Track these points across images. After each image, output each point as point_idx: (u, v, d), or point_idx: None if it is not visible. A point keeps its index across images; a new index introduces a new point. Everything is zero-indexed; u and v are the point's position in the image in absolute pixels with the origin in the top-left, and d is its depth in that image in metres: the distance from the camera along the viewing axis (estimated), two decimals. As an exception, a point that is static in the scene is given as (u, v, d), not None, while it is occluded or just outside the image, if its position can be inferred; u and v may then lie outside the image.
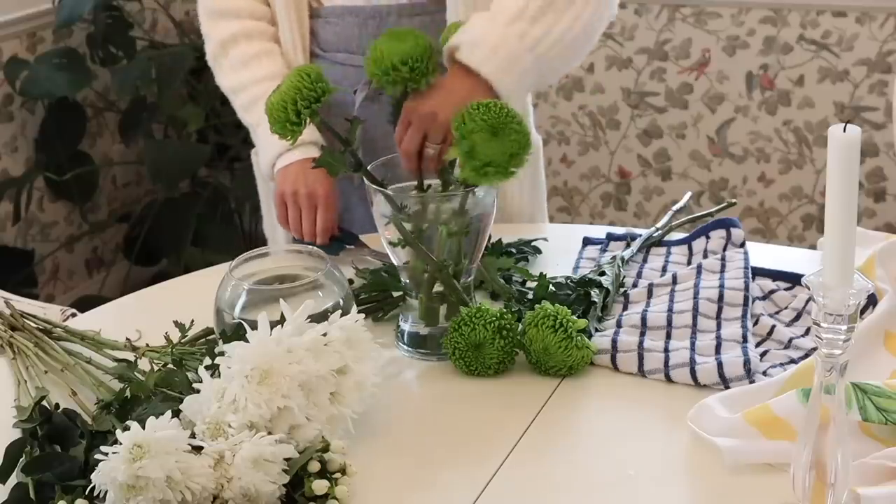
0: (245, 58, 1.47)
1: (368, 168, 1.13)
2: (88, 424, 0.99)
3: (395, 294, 1.25)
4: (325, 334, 0.97)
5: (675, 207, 1.43)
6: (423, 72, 1.14)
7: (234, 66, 1.47)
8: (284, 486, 0.90)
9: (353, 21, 1.46)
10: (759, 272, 1.28)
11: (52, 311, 1.31)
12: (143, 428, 0.85)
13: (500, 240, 1.35)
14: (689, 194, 1.48)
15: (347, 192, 1.51)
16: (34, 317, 1.22)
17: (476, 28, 1.27)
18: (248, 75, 1.46)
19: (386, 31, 1.17)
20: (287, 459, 0.90)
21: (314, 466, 0.91)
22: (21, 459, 0.95)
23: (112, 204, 3.18)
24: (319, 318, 1.00)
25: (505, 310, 1.11)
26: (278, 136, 1.11)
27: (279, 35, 1.49)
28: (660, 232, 1.39)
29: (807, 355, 1.10)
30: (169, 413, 0.88)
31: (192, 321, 1.12)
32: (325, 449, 0.94)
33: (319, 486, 0.90)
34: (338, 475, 0.92)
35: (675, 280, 1.26)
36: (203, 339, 1.14)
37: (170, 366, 1.07)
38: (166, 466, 0.84)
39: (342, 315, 0.99)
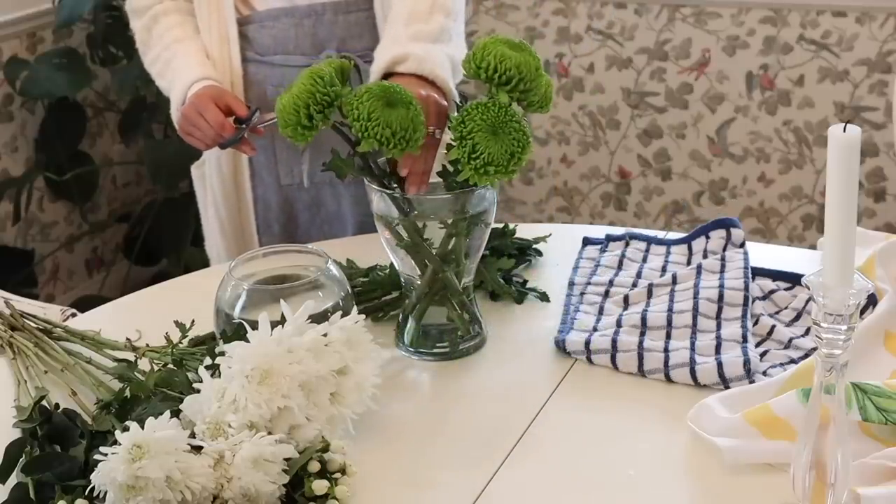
0: (160, 32, 1.53)
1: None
2: (88, 424, 0.99)
3: (395, 294, 1.25)
4: (325, 334, 0.97)
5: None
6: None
7: (153, 43, 1.54)
8: (284, 486, 0.90)
9: (288, 22, 1.50)
10: (759, 272, 1.28)
11: (52, 311, 1.31)
12: (143, 428, 0.85)
13: (506, 224, 1.36)
14: None
15: (335, 195, 1.52)
16: (34, 317, 1.22)
17: (396, 45, 1.34)
18: (160, 46, 1.53)
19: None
20: (287, 459, 0.90)
21: (314, 466, 0.91)
22: (21, 459, 0.95)
23: (112, 204, 3.17)
24: (319, 318, 1.00)
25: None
26: (287, 137, 1.11)
27: (205, 46, 1.52)
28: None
29: (807, 355, 1.10)
30: (168, 413, 0.88)
31: (193, 321, 1.12)
32: (325, 449, 0.94)
33: (319, 486, 0.90)
34: (338, 475, 0.92)
35: (674, 280, 1.26)
36: (204, 344, 1.13)
37: (170, 366, 1.07)
38: (166, 466, 0.84)
39: (342, 315, 0.99)
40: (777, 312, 1.22)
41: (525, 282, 1.31)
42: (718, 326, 1.16)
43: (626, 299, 1.24)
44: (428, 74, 1.29)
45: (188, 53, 1.51)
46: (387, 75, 1.31)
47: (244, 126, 1.41)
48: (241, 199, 1.60)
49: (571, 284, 1.29)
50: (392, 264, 1.21)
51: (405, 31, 1.36)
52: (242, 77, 1.52)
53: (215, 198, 1.61)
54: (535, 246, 1.38)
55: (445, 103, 1.22)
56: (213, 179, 1.60)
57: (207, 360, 0.97)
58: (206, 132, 1.42)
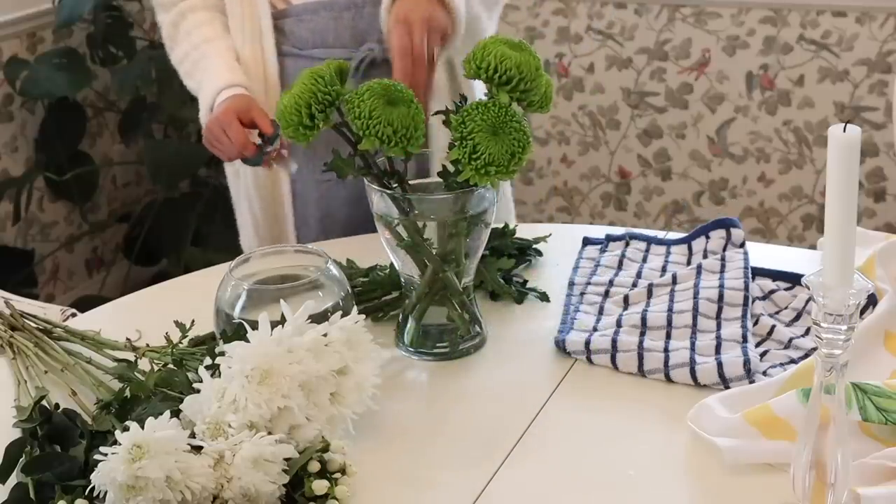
0: (189, 28, 1.53)
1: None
2: (88, 424, 0.99)
3: (395, 294, 1.25)
4: (325, 334, 0.97)
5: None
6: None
7: (180, 39, 1.54)
8: (284, 486, 0.90)
9: (327, 15, 1.49)
10: (759, 272, 1.28)
11: (52, 311, 1.31)
12: (143, 428, 0.85)
13: (506, 224, 1.36)
14: None
15: (333, 194, 1.52)
16: (34, 317, 1.22)
17: None
18: (188, 44, 1.53)
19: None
20: (287, 459, 0.90)
21: (314, 466, 0.91)
22: (21, 459, 0.95)
23: (112, 204, 3.18)
24: (319, 318, 1.00)
25: None
26: (289, 138, 1.11)
27: (235, 44, 1.52)
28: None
29: (807, 355, 1.10)
30: (168, 413, 0.88)
31: (193, 321, 1.12)
32: (325, 449, 0.94)
33: (319, 486, 0.90)
34: (338, 475, 0.92)
35: (674, 280, 1.26)
36: (204, 344, 1.13)
37: (170, 366, 1.07)
38: (166, 466, 0.84)
39: (342, 315, 0.99)
40: (777, 312, 1.22)
41: (525, 282, 1.31)
42: (718, 326, 1.16)
43: (626, 299, 1.24)
44: None
45: (217, 55, 1.50)
46: None
47: (265, 150, 1.41)
48: (277, 194, 1.59)
49: (571, 284, 1.29)
50: (392, 264, 1.21)
51: None
52: (279, 72, 1.51)
53: (248, 192, 1.61)
54: (535, 246, 1.38)
55: (447, 22, 1.25)
56: (248, 174, 1.60)
57: (207, 360, 0.97)
58: (228, 148, 1.43)
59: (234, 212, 1.71)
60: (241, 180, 1.64)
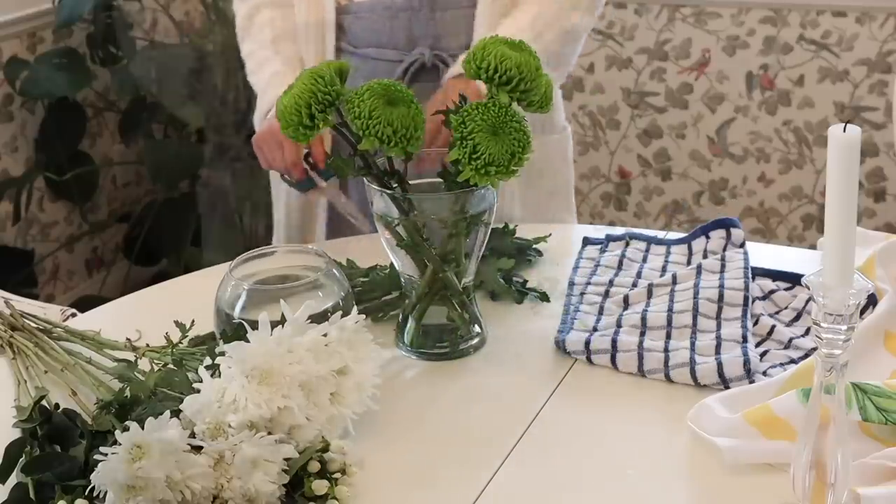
0: (261, 23, 1.55)
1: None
2: (88, 424, 0.99)
3: (395, 294, 1.25)
4: (325, 335, 0.97)
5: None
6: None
7: (253, 33, 1.56)
8: (284, 486, 0.90)
9: (385, 14, 1.50)
10: (759, 272, 1.28)
11: (52, 311, 1.31)
12: (143, 428, 0.85)
13: (506, 224, 1.36)
14: None
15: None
16: (34, 317, 1.22)
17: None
18: (257, 42, 1.55)
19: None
20: (287, 459, 0.90)
21: (314, 466, 0.91)
22: (21, 459, 0.95)
23: (112, 204, 3.18)
24: (319, 318, 1.00)
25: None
26: (290, 139, 1.11)
27: (298, 37, 1.54)
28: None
29: (807, 355, 1.10)
30: (168, 413, 0.88)
31: (193, 321, 1.12)
32: (325, 449, 0.94)
33: (319, 486, 0.90)
34: (338, 475, 0.92)
35: (674, 280, 1.26)
36: (204, 344, 1.13)
37: (170, 366, 1.07)
38: (166, 466, 0.84)
39: (342, 315, 0.99)
40: (777, 312, 1.22)
41: (525, 282, 1.31)
42: (718, 326, 1.16)
43: (626, 299, 1.24)
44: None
45: (285, 62, 1.52)
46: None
47: (313, 182, 1.42)
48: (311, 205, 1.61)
49: (571, 284, 1.29)
50: (392, 264, 1.21)
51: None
52: None
53: (289, 197, 1.62)
54: (535, 246, 1.38)
55: None
56: (291, 196, 1.61)
57: (207, 360, 0.97)
58: (275, 162, 1.44)
59: (273, 208, 1.73)
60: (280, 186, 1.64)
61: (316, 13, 1.51)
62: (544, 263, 1.37)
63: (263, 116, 1.52)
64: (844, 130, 0.75)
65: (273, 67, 1.53)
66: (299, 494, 0.90)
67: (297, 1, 1.53)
